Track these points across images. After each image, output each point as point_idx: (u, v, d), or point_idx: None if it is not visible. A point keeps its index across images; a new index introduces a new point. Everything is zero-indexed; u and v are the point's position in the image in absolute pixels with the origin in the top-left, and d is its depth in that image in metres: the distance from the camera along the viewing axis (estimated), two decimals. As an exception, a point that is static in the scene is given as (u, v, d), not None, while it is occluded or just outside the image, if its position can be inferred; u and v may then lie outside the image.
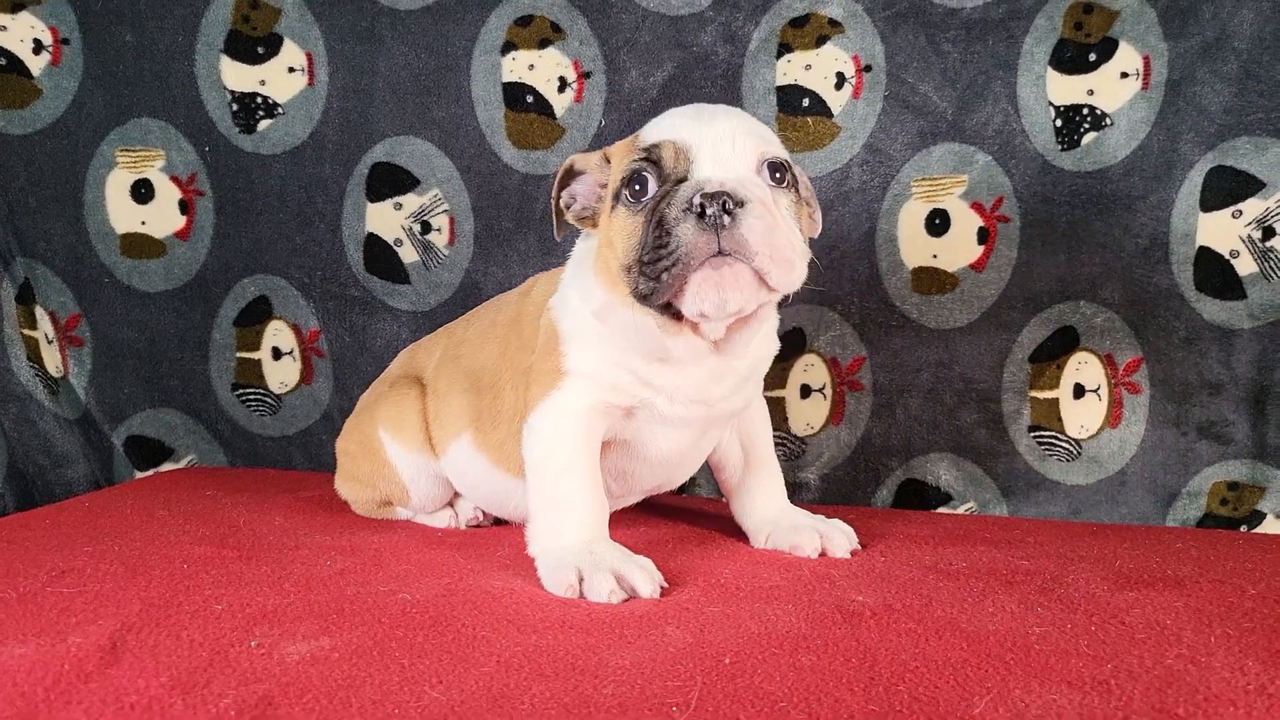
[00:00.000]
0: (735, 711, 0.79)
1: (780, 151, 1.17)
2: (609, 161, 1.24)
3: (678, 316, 1.13)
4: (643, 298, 1.11)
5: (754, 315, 1.17)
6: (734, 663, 0.90)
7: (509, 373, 1.36)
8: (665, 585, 1.14)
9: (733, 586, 1.16)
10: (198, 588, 1.11)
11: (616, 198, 1.17)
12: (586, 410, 1.24)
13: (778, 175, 1.15)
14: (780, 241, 1.08)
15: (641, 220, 1.12)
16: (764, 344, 1.32)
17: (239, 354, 1.97)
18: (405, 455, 1.48)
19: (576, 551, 1.15)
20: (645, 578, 1.11)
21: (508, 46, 1.84)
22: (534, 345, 1.31)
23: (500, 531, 1.47)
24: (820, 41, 1.75)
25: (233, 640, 0.94)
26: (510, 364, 1.36)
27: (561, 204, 1.28)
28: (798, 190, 1.20)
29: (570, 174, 1.27)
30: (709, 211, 1.05)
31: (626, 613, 1.04)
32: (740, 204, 1.06)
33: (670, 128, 1.15)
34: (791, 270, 1.10)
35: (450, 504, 1.53)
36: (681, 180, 1.11)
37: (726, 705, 0.80)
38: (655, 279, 1.08)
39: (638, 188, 1.14)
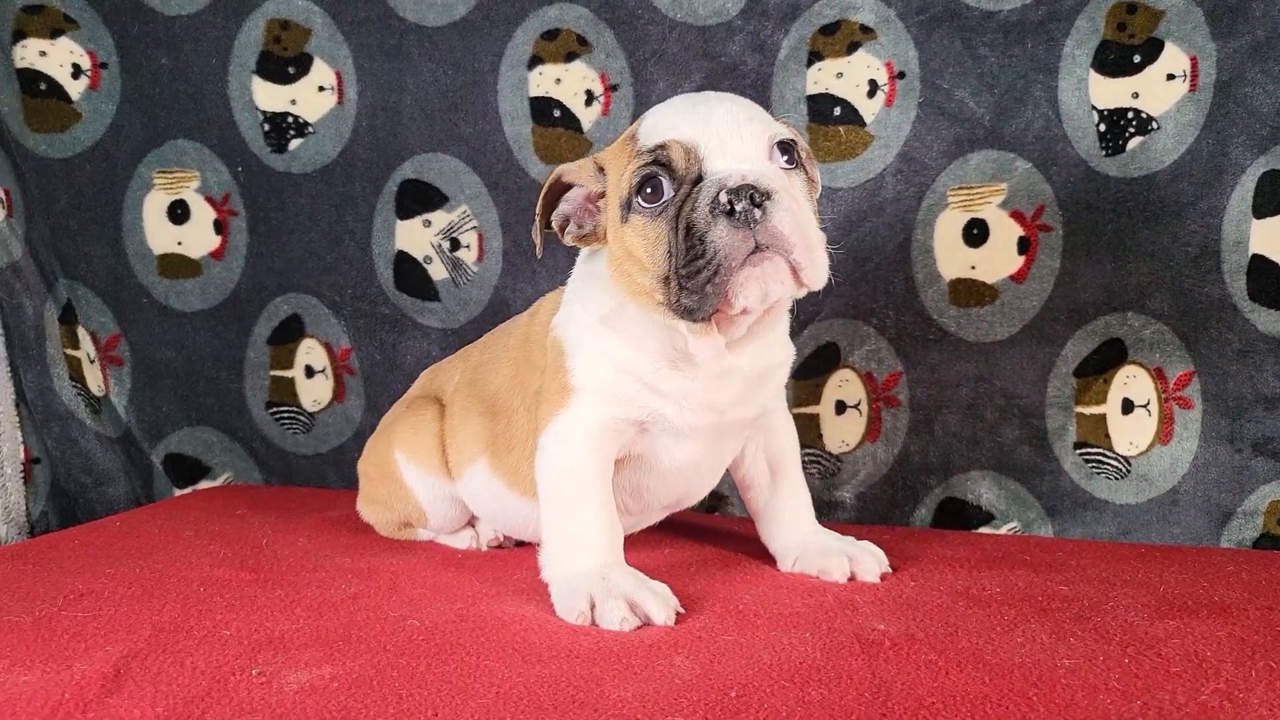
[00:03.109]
0: (732, 753, 0.76)
1: (782, 128, 1.14)
2: (603, 171, 1.20)
3: (708, 318, 1.10)
4: (688, 312, 1.08)
5: (777, 306, 1.16)
6: (740, 696, 0.86)
7: (520, 395, 1.34)
8: (681, 611, 1.10)
9: (750, 613, 1.12)
10: (209, 612, 1.11)
11: (627, 206, 1.13)
12: (597, 429, 1.21)
13: (788, 158, 1.12)
14: (809, 232, 1.06)
15: (664, 226, 1.09)
16: (772, 350, 1.28)
17: (273, 372, 1.98)
18: (421, 477, 1.46)
19: (589, 577, 1.12)
20: (659, 604, 1.08)
21: (534, 61, 1.82)
22: (542, 366, 1.29)
23: (520, 553, 1.44)
24: (852, 48, 1.71)
25: (235, 668, 0.94)
26: (521, 386, 1.34)
27: (554, 224, 1.24)
28: (807, 170, 1.17)
29: (558, 188, 1.23)
30: (739, 208, 1.03)
31: (636, 641, 1.02)
32: (767, 195, 1.03)
33: (671, 126, 1.11)
34: (821, 266, 1.08)
35: (471, 524, 1.51)
36: (698, 180, 1.07)
37: (726, 744, 0.77)
38: (699, 291, 1.06)
39: (650, 191, 1.10)
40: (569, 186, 1.23)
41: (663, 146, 1.09)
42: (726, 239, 1.03)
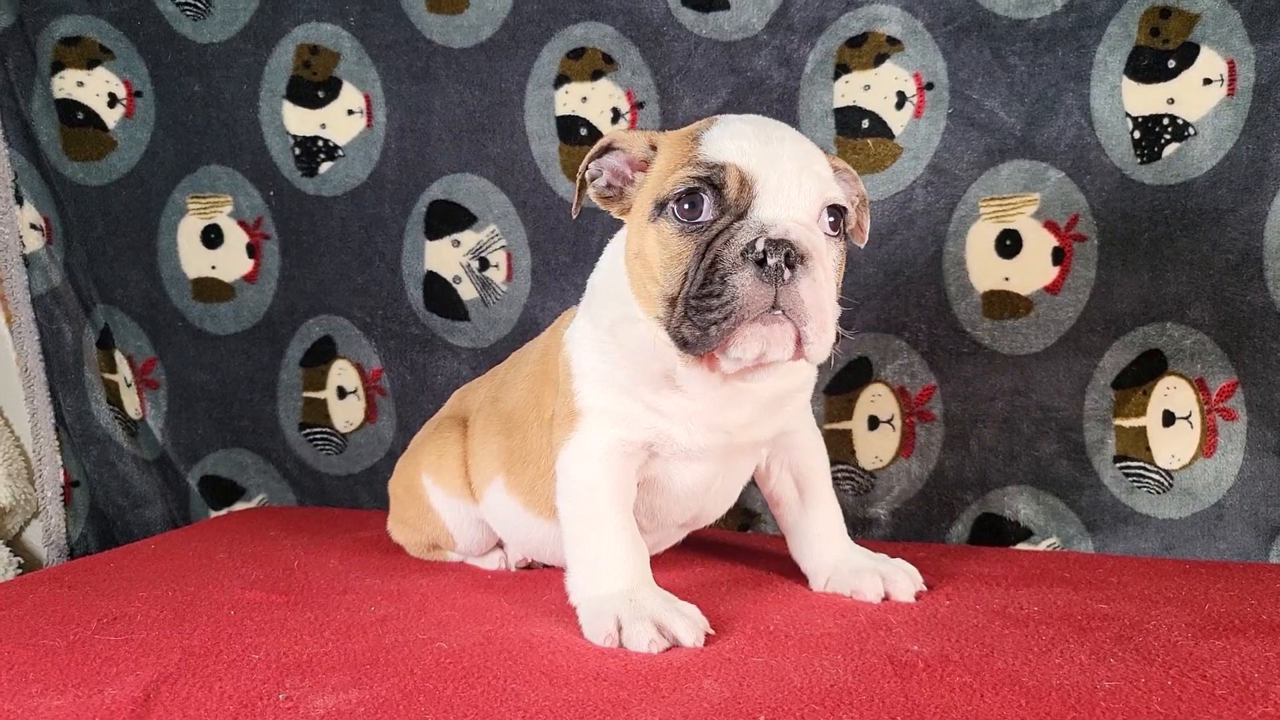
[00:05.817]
0: (760, 780, 0.74)
1: (839, 193, 1.11)
2: (654, 149, 1.17)
3: (701, 356, 1.08)
4: (684, 344, 1.07)
5: (773, 363, 1.10)
6: (770, 721, 0.85)
7: (535, 410, 1.33)
8: (711, 632, 1.09)
9: (781, 634, 1.10)
10: (239, 635, 1.11)
11: (660, 207, 1.09)
12: (606, 451, 1.20)
13: (834, 222, 1.11)
14: (826, 306, 1.04)
15: (691, 247, 1.06)
16: (795, 371, 1.24)
17: (305, 394, 1.99)
18: (447, 500, 1.46)
19: (617, 599, 1.11)
20: (687, 626, 1.06)
21: (560, 80, 1.83)
22: (556, 380, 1.28)
23: (549, 574, 1.43)
24: (879, 60, 1.70)
25: (263, 693, 0.93)
26: (536, 401, 1.33)
27: (587, 177, 1.20)
28: (848, 239, 1.16)
29: (606, 151, 1.19)
30: (770, 262, 1.00)
31: (665, 663, 1.00)
32: (802, 258, 1.01)
33: (737, 150, 1.06)
34: (826, 344, 1.05)
35: (500, 545, 1.50)
36: (741, 215, 1.05)
37: (753, 771, 0.76)
38: (703, 329, 1.04)
39: (689, 206, 1.07)
40: (616, 151, 1.19)
41: (721, 167, 1.06)
42: (749, 289, 1.01)
